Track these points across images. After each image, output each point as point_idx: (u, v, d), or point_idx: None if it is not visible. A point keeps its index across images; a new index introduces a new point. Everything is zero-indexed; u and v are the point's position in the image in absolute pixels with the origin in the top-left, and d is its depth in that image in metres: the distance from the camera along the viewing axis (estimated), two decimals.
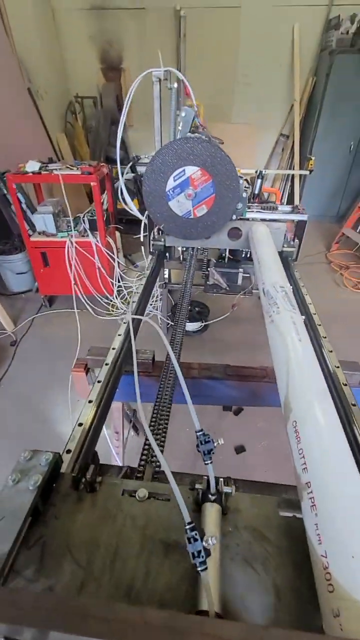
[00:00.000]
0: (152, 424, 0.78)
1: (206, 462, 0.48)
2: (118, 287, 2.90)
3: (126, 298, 2.92)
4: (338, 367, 0.89)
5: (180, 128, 1.24)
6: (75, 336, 2.52)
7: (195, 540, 0.38)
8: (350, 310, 3.05)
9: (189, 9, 4.16)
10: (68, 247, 2.56)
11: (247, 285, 1.65)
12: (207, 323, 2.62)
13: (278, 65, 4.45)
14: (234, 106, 4.80)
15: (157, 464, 0.68)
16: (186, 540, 0.39)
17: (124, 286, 2.95)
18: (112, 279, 2.84)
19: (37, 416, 2.05)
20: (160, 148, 1.20)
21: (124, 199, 1.48)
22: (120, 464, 1.32)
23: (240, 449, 1.79)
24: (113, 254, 2.77)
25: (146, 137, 4.83)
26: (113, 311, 2.84)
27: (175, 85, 1.23)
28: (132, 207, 1.54)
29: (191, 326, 2.54)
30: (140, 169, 3.40)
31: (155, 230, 1.62)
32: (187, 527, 0.40)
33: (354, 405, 0.78)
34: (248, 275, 1.62)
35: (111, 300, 2.86)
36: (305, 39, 4.21)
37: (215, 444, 0.49)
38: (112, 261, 2.78)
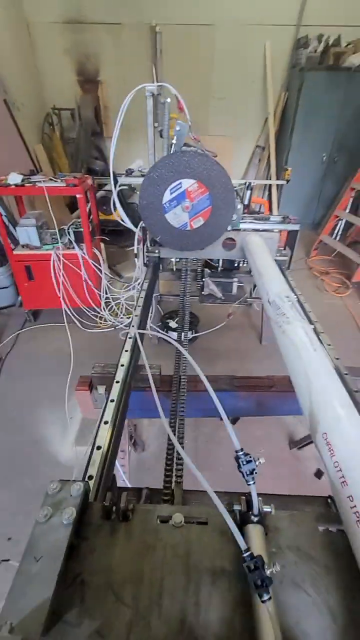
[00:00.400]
0: (170, 440, 0.76)
1: (249, 483, 0.47)
2: (106, 299, 2.86)
3: (114, 310, 2.88)
4: (347, 374, 0.91)
5: (174, 142, 1.25)
6: (64, 350, 2.45)
7: (257, 568, 0.37)
8: (333, 314, 3.14)
9: (165, 26, 4.25)
10: (54, 260, 2.50)
11: (242, 295, 1.67)
12: (199, 334, 2.61)
13: (251, 80, 4.61)
14: (210, 119, 4.91)
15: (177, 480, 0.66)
16: (245, 568, 0.38)
17: (112, 298, 2.91)
18: (100, 291, 2.79)
19: (29, 437, 1.96)
20: (156, 162, 1.20)
21: (117, 212, 1.47)
22: (127, 484, 1.28)
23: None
24: (99, 265, 2.74)
25: (124, 147, 4.85)
26: (101, 324, 2.79)
27: (169, 99, 1.25)
28: (126, 219, 1.52)
29: (164, 335, 2.53)
30: (122, 180, 3.40)
31: (149, 241, 1.62)
32: (246, 554, 0.38)
33: None
34: (242, 284, 1.64)
35: (99, 313, 2.81)
36: (276, 56, 4.39)
37: (257, 464, 0.48)
38: (99, 273, 2.74)
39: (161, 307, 2.63)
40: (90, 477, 0.64)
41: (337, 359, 0.96)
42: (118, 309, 2.88)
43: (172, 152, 1.24)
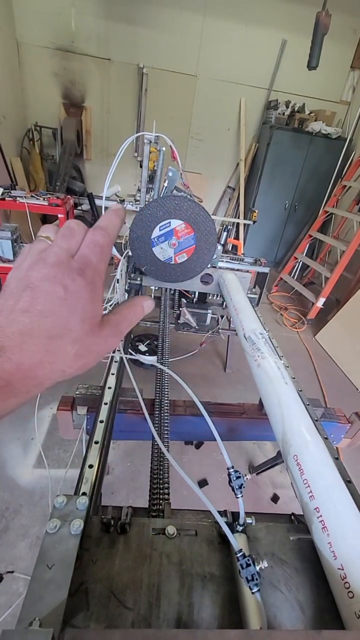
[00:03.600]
0: (155, 461, 0.82)
1: (237, 496, 0.56)
2: None
3: None
4: (308, 404, 1.04)
5: (165, 185, 1.38)
6: None
7: (249, 565, 0.45)
8: (290, 347, 3.41)
9: (151, 69, 4.59)
10: None
11: (214, 325, 1.79)
12: (172, 359, 2.68)
13: (227, 128, 5.07)
14: (187, 156, 5.27)
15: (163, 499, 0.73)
16: (239, 566, 0.45)
17: None
18: None
19: None
20: (149, 201, 1.32)
21: None
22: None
23: (203, 483, 1.84)
24: None
25: (104, 171, 4.99)
26: None
27: (164, 148, 1.39)
28: (113, 249, 1.61)
29: (151, 359, 2.59)
30: (98, 202, 3.49)
31: (132, 268, 1.71)
32: (239, 554, 0.46)
33: (326, 438, 0.92)
34: (215, 316, 1.77)
35: None
36: (250, 112, 4.91)
37: (244, 479, 0.57)
38: None
39: (131, 331, 2.69)
40: (84, 494, 0.68)
41: (301, 390, 1.10)
42: None
43: (163, 194, 1.37)
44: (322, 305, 3.70)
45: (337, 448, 2.37)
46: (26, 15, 4.21)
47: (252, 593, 0.44)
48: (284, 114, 4.58)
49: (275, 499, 1.88)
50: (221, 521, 0.49)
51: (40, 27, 4.29)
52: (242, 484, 0.56)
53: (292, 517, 0.78)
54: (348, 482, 0.78)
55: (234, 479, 0.56)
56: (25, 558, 1.33)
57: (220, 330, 2.04)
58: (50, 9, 4.20)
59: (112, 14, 4.27)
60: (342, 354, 3.26)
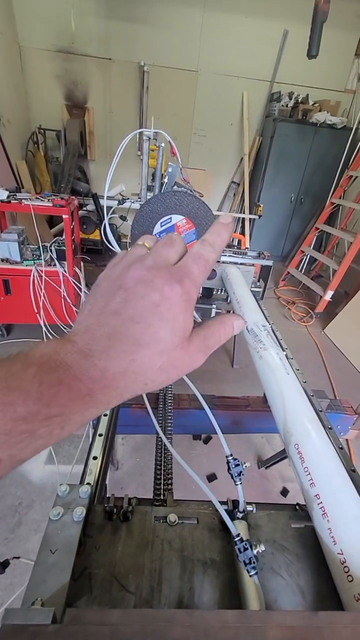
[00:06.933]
0: (158, 454, 0.83)
1: (237, 483, 0.56)
2: None
3: None
4: (312, 395, 1.04)
5: (166, 180, 1.38)
6: None
7: (246, 549, 0.45)
8: (299, 341, 3.38)
9: (152, 66, 4.59)
10: (34, 276, 2.52)
11: None
12: None
13: (230, 123, 5.03)
14: (190, 153, 5.25)
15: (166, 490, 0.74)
16: (237, 550, 0.46)
17: None
18: (77, 309, 2.82)
19: None
20: (150, 198, 1.33)
21: (107, 240, 1.56)
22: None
23: (212, 477, 1.85)
24: (79, 283, 2.78)
25: (106, 170, 5.02)
26: None
27: (163, 144, 1.39)
28: (115, 245, 1.62)
29: None
30: (102, 202, 3.51)
31: None
32: (237, 539, 0.47)
33: (330, 428, 0.92)
34: (220, 311, 1.77)
35: None
36: (253, 105, 4.86)
37: (244, 467, 0.57)
38: (78, 291, 2.78)
39: None
40: (89, 484, 0.69)
41: (305, 382, 1.09)
42: None
43: (163, 190, 1.37)
44: (330, 298, 3.66)
45: (347, 440, 2.35)
46: (27, 19, 4.25)
47: (250, 576, 0.44)
48: (287, 105, 4.53)
49: (284, 492, 1.87)
50: (219, 507, 0.50)
51: (41, 30, 4.32)
52: (241, 472, 0.57)
53: (297, 507, 0.78)
54: (352, 471, 0.78)
55: (233, 466, 0.57)
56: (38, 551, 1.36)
57: None
58: (50, 11, 4.23)
59: (111, 13, 4.28)
60: (352, 347, 3.21)
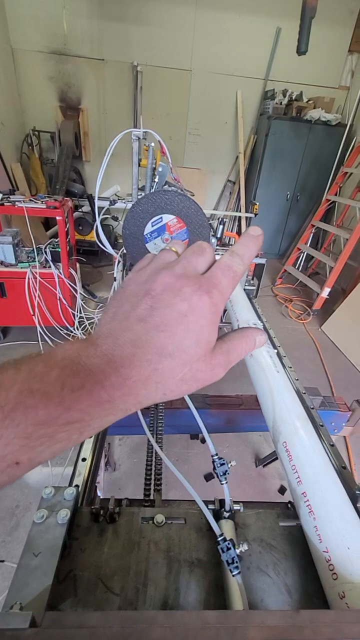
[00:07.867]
0: (149, 454, 0.83)
1: (222, 483, 0.56)
2: (79, 318, 2.88)
3: (87, 329, 2.90)
4: (304, 393, 1.04)
5: (157, 180, 1.38)
6: None
7: (229, 549, 0.45)
8: (297, 338, 3.38)
9: (145, 66, 4.58)
10: (29, 278, 2.51)
11: None
12: None
13: (224, 122, 5.03)
14: (185, 152, 5.25)
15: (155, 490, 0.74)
16: (220, 550, 0.46)
17: (85, 317, 2.94)
18: (74, 310, 2.82)
19: None
20: (140, 198, 1.33)
21: (100, 241, 1.56)
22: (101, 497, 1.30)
23: (209, 477, 1.85)
24: (75, 285, 2.78)
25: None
26: None
27: (153, 144, 1.39)
28: (108, 247, 1.62)
29: None
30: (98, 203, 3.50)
31: (128, 265, 1.72)
32: (219, 538, 0.47)
33: (322, 425, 0.91)
34: None
35: (72, 332, 2.82)
36: (247, 103, 4.85)
37: (229, 466, 0.57)
38: (74, 292, 2.78)
39: None
40: (77, 486, 0.69)
41: (297, 379, 1.09)
42: (92, 328, 2.91)
43: (154, 189, 1.37)
44: (328, 295, 3.66)
45: (345, 437, 2.35)
46: (19, 21, 4.24)
47: (233, 576, 0.44)
48: (281, 103, 4.52)
49: (282, 490, 1.87)
50: (203, 507, 0.49)
51: (33, 32, 4.32)
52: (226, 471, 0.57)
53: (289, 505, 0.78)
54: (343, 468, 0.78)
55: (218, 465, 0.57)
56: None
57: (222, 325, 2.03)
58: (42, 13, 4.22)
59: (104, 13, 4.27)
60: (349, 344, 3.21)
